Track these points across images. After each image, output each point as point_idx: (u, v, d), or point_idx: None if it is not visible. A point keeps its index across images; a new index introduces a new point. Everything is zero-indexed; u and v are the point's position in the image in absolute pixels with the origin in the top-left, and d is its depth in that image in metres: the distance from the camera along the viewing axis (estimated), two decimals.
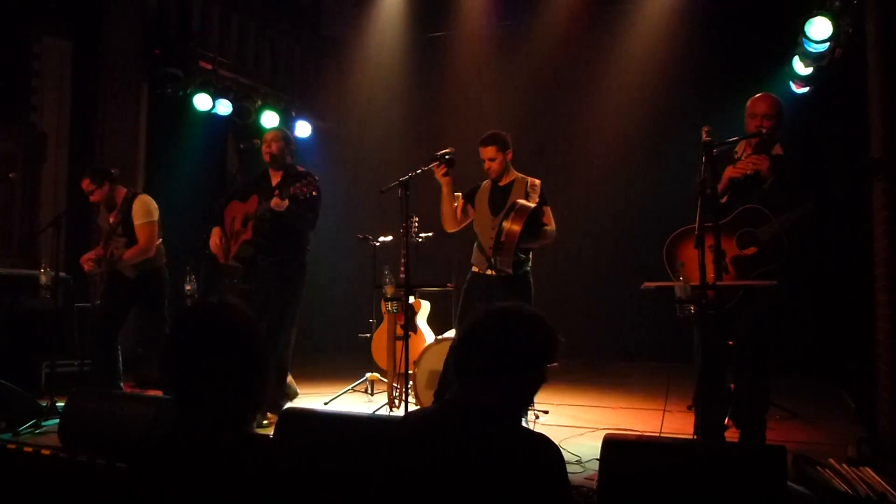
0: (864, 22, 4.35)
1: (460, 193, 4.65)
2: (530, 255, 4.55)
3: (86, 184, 5.12)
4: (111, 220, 5.12)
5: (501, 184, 4.58)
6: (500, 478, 1.64)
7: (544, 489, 1.66)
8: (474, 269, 4.62)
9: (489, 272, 4.44)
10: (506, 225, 4.26)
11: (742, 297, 3.50)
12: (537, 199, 4.43)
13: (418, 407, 4.52)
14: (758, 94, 3.70)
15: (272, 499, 1.51)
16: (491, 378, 1.78)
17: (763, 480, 2.35)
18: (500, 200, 4.53)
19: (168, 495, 1.51)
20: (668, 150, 7.10)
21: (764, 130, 3.55)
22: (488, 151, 4.52)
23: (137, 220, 5.05)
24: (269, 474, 1.53)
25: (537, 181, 4.55)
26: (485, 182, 4.66)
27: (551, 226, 4.51)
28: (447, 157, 4.35)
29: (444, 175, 4.40)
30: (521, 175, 4.60)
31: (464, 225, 4.70)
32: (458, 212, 4.63)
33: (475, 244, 4.65)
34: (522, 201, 4.38)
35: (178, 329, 1.67)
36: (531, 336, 1.81)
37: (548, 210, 4.52)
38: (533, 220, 4.32)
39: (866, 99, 4.22)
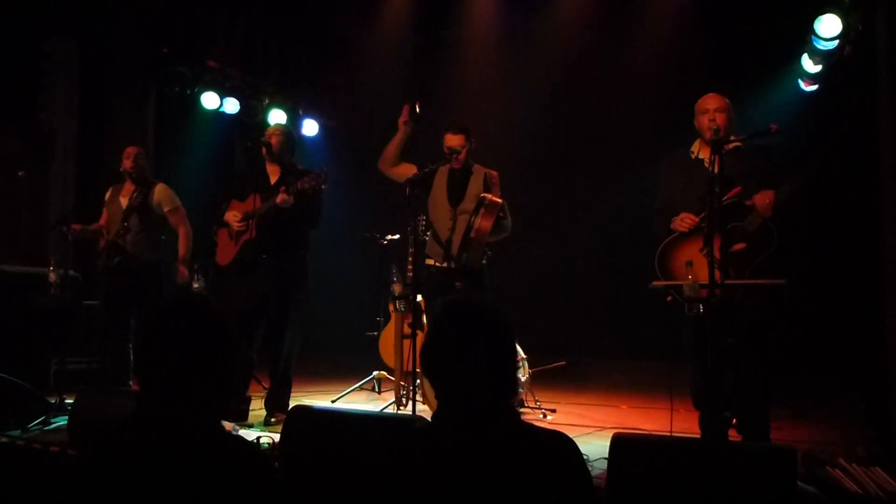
0: (874, 19, 4.33)
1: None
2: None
3: (134, 150, 5.17)
4: (133, 199, 5.09)
5: (460, 172, 4.43)
6: (520, 488, 1.55)
7: (568, 489, 1.60)
8: (429, 261, 4.44)
9: (451, 265, 4.27)
10: (475, 221, 4.12)
11: (741, 295, 3.48)
12: (499, 193, 4.31)
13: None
14: (705, 95, 3.77)
15: (231, 496, 1.50)
16: (462, 380, 1.69)
17: (773, 480, 2.33)
18: (459, 190, 4.39)
19: (124, 483, 1.52)
20: (675, 149, 7.06)
21: (716, 125, 3.60)
22: (458, 139, 4.36)
23: (168, 205, 5.16)
24: (232, 472, 1.52)
25: (495, 173, 4.43)
26: (441, 168, 4.44)
27: (509, 219, 4.39)
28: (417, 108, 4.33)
29: (405, 123, 4.34)
30: (478, 165, 4.48)
31: (393, 173, 4.42)
32: (401, 166, 4.40)
33: (430, 234, 4.49)
34: (490, 196, 4.22)
35: (154, 321, 1.67)
36: (488, 325, 1.71)
37: (505, 204, 4.38)
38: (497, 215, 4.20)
39: (876, 96, 4.21)
